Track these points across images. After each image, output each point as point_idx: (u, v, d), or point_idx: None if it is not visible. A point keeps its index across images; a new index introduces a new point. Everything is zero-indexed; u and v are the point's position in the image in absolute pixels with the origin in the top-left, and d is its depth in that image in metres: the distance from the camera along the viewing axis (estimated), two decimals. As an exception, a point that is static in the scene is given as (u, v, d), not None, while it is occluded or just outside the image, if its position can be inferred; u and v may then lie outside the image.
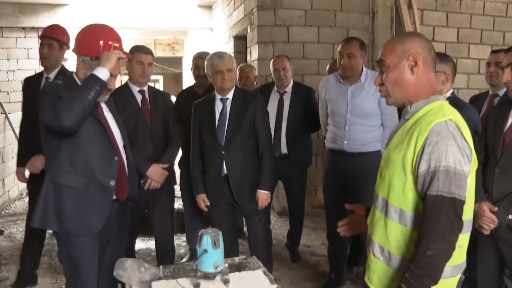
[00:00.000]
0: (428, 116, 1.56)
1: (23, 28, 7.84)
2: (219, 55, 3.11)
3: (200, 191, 3.22)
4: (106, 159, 2.29)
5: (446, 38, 6.16)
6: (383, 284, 1.67)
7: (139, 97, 3.21)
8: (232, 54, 6.24)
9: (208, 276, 1.89)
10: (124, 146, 2.46)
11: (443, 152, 1.47)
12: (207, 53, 3.75)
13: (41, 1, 7.59)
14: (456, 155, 1.48)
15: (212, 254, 1.87)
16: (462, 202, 1.49)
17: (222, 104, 3.14)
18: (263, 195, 3.15)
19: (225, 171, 3.11)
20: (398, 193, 1.59)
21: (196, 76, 3.74)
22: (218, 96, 3.15)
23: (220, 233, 1.94)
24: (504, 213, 2.23)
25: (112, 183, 2.30)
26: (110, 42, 2.26)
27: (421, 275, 1.46)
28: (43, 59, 3.33)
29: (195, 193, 3.26)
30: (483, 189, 2.34)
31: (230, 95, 3.14)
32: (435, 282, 1.48)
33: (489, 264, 2.44)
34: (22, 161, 3.42)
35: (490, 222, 2.27)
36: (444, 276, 1.53)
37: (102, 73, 2.13)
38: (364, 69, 3.21)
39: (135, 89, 3.20)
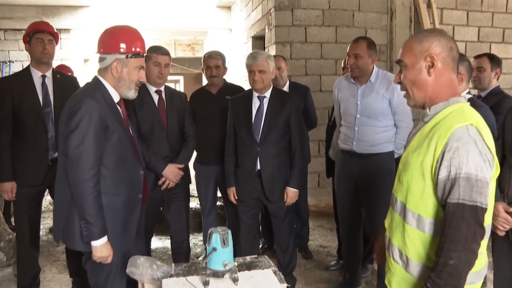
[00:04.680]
0: (448, 119, 1.52)
1: (46, 30, 7.99)
2: (254, 55, 3.18)
3: (232, 184, 3.35)
4: (134, 175, 2.37)
5: (466, 37, 6.05)
6: None
7: (155, 97, 3.23)
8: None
9: (217, 274, 1.91)
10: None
11: (464, 159, 1.43)
12: (216, 52, 3.78)
13: (63, 3, 7.73)
14: (478, 161, 1.44)
15: (221, 252, 1.89)
16: (484, 210, 1.45)
17: (259, 102, 3.24)
18: (291, 192, 3.24)
19: (259, 167, 3.22)
20: (417, 198, 1.56)
21: (209, 77, 3.73)
22: (255, 94, 3.25)
23: (229, 232, 1.95)
24: (520, 214, 2.19)
25: (140, 196, 2.41)
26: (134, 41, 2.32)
27: (444, 285, 1.43)
28: (45, 56, 3.21)
29: (227, 186, 3.39)
30: (499, 189, 2.31)
31: (267, 94, 3.24)
32: None
33: (505, 266, 2.40)
34: (8, 174, 3.16)
35: (505, 223, 2.23)
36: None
37: (96, 242, 2.15)
38: (375, 68, 3.19)
39: (152, 89, 3.22)
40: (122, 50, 2.26)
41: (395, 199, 1.69)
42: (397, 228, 1.66)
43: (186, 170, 3.36)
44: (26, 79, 3.22)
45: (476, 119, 1.51)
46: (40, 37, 3.20)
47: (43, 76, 3.25)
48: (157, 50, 3.19)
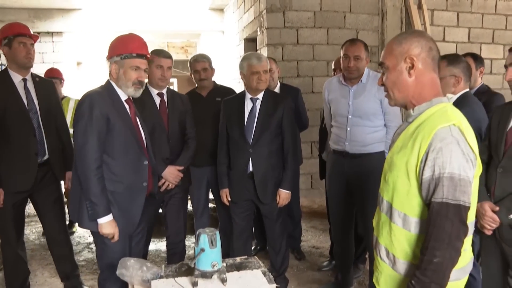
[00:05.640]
0: (431, 120, 1.54)
1: (38, 33, 7.93)
2: (257, 56, 3.21)
3: (225, 186, 3.36)
4: (138, 164, 2.57)
5: (457, 38, 6.10)
6: (389, 287, 1.68)
7: (157, 100, 3.27)
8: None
9: (206, 275, 1.92)
10: (147, 147, 2.69)
11: (447, 159, 1.46)
12: (202, 55, 3.83)
13: (55, 6, 7.70)
14: (461, 161, 1.46)
15: (209, 253, 1.90)
16: (467, 208, 1.48)
17: (252, 104, 3.25)
18: (284, 194, 3.26)
19: (251, 169, 3.22)
20: (402, 198, 1.58)
21: (198, 80, 3.76)
22: (248, 96, 3.27)
23: (217, 233, 1.96)
24: (506, 212, 2.21)
25: (145, 184, 2.60)
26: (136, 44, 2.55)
27: (428, 283, 1.46)
28: (30, 60, 3.16)
29: (220, 188, 3.40)
30: (485, 189, 2.33)
31: (260, 96, 3.25)
32: None
33: (493, 264, 2.42)
34: None
35: (492, 222, 2.25)
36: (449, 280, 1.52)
37: (101, 220, 2.42)
38: (366, 69, 3.20)
39: (154, 92, 3.27)
40: (117, 52, 2.51)
41: (381, 199, 1.71)
42: (384, 227, 1.68)
43: (186, 172, 3.38)
44: (7, 83, 3.14)
45: (458, 119, 1.53)
46: (23, 41, 3.12)
47: (24, 80, 3.19)
48: (160, 53, 3.25)
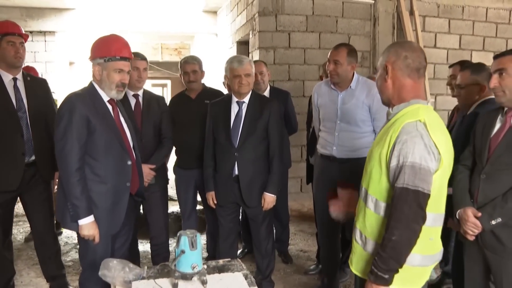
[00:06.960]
0: (404, 117, 1.75)
1: (31, 32, 7.92)
2: (239, 59, 3.20)
3: (211, 189, 3.35)
4: (122, 164, 2.57)
5: (448, 44, 6.16)
6: (359, 266, 1.90)
7: (132, 101, 3.35)
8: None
9: (186, 277, 1.92)
10: (134, 146, 2.70)
11: (410, 149, 1.66)
12: (192, 57, 3.84)
13: (48, 5, 7.68)
14: (422, 152, 1.66)
15: (190, 255, 1.90)
16: (426, 195, 1.66)
17: (238, 107, 3.24)
18: (269, 198, 3.25)
19: (237, 172, 3.22)
20: (375, 184, 1.80)
21: (187, 82, 3.77)
22: (234, 99, 3.25)
23: (198, 235, 1.96)
24: (488, 218, 2.22)
25: (128, 184, 2.61)
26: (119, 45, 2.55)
27: (387, 258, 1.67)
28: (19, 60, 3.13)
29: (206, 190, 3.40)
30: (469, 194, 2.35)
31: (246, 99, 3.24)
32: (400, 265, 1.69)
33: (475, 269, 2.44)
34: None
35: (474, 228, 2.26)
36: (412, 264, 1.74)
37: (82, 221, 2.44)
38: (355, 75, 3.20)
39: (130, 93, 3.33)
40: (100, 54, 2.51)
41: (361, 187, 1.91)
42: (360, 212, 1.90)
43: (162, 170, 3.42)
44: None
45: (427, 116, 1.72)
46: (12, 40, 3.10)
47: (14, 79, 3.16)
48: (135, 56, 3.28)
